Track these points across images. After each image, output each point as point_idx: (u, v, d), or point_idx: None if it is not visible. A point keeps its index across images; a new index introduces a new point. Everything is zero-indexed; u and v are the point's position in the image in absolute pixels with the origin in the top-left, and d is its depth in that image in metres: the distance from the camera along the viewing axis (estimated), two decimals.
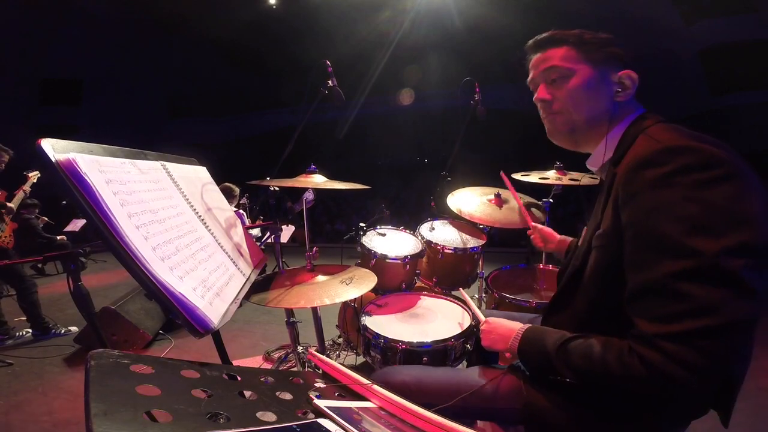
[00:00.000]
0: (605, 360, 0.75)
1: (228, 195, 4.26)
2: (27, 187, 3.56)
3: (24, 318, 3.67)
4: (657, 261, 0.69)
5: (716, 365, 0.65)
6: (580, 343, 0.81)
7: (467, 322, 1.58)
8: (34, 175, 3.56)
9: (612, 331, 0.79)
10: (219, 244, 1.30)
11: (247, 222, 4.34)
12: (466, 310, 1.69)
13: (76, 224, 7.33)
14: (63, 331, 3.60)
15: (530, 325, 0.97)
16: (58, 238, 6.33)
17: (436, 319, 1.67)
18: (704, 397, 0.82)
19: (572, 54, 0.93)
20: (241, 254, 1.45)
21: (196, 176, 1.52)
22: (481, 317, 1.14)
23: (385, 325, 1.60)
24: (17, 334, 3.52)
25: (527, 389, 0.97)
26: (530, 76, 1.01)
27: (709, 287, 0.64)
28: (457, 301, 1.82)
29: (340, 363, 0.99)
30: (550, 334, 0.88)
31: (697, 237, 0.66)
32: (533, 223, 1.69)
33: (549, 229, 1.62)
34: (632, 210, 0.74)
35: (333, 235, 11.23)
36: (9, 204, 3.41)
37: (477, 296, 2.33)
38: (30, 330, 3.58)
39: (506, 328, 1.00)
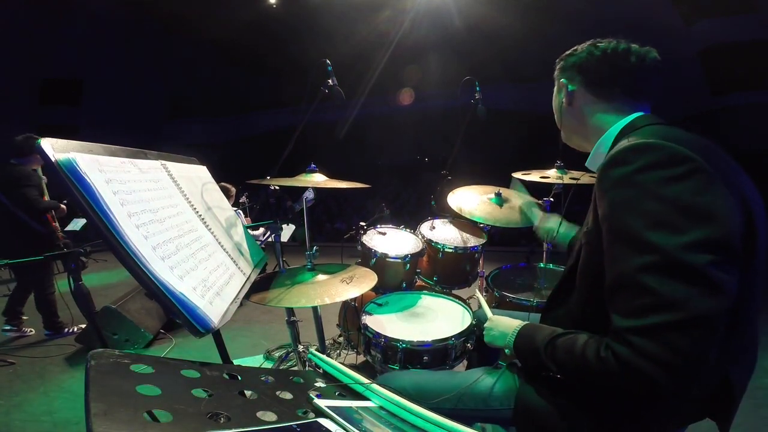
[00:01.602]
0: (585, 355, 0.76)
1: (225, 195, 4.25)
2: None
3: (25, 317, 3.66)
4: (625, 255, 0.71)
5: (684, 360, 0.64)
6: (567, 339, 0.83)
7: (467, 321, 1.58)
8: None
9: (603, 328, 0.79)
10: (219, 243, 1.30)
11: (245, 221, 4.34)
12: (466, 308, 1.69)
13: (77, 224, 7.33)
14: (75, 330, 3.58)
15: (527, 322, 0.99)
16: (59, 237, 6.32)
17: (436, 319, 1.67)
18: (695, 399, 0.81)
19: (555, 73, 1.07)
20: (242, 253, 1.45)
21: (196, 175, 1.52)
22: (490, 315, 1.16)
23: (385, 324, 1.60)
24: (24, 329, 3.53)
25: (520, 391, 0.97)
26: None
27: (672, 282, 0.65)
28: (457, 301, 1.82)
29: (340, 362, 1.00)
30: (542, 330, 0.90)
31: (658, 232, 0.67)
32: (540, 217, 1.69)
33: (554, 220, 1.60)
34: (604, 207, 0.76)
35: (333, 234, 11.23)
36: (62, 205, 3.44)
37: (477, 295, 2.32)
38: (32, 329, 3.58)
39: (506, 325, 1.03)
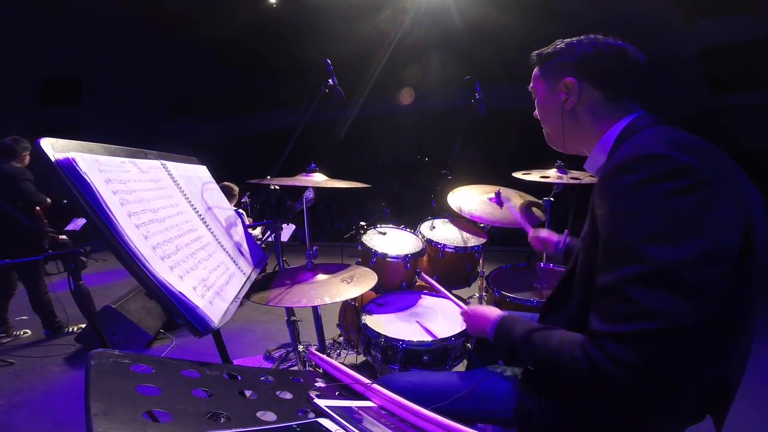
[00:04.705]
0: (560, 352, 0.78)
1: (228, 194, 4.25)
2: None
3: (24, 317, 3.66)
4: (617, 263, 0.71)
5: (653, 368, 0.66)
6: (544, 334, 0.84)
7: None
8: None
9: None
10: (219, 243, 1.30)
11: (247, 221, 4.34)
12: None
13: (77, 223, 7.32)
14: (75, 329, 3.58)
15: (506, 313, 1.00)
16: (60, 237, 6.33)
17: (436, 318, 1.67)
18: (698, 400, 0.81)
19: (537, 74, 1.01)
20: (242, 253, 1.45)
21: (196, 175, 1.52)
22: (462, 305, 1.19)
23: (385, 324, 1.60)
24: (15, 333, 3.50)
25: (519, 393, 0.97)
26: None
27: (658, 293, 0.66)
28: (457, 300, 1.82)
29: (340, 362, 1.00)
30: (521, 324, 0.92)
31: (654, 244, 0.67)
32: (532, 231, 1.69)
33: (546, 233, 1.61)
34: (603, 214, 0.76)
35: (333, 233, 11.23)
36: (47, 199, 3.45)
37: (478, 295, 2.32)
38: (28, 330, 3.58)
39: (484, 316, 1.04)
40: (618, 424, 0.84)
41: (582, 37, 0.95)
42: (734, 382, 0.82)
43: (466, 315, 1.13)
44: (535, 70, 1.03)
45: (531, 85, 1.04)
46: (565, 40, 0.97)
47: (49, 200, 3.48)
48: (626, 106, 0.91)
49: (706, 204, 0.67)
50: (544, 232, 1.62)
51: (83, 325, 3.59)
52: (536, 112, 1.05)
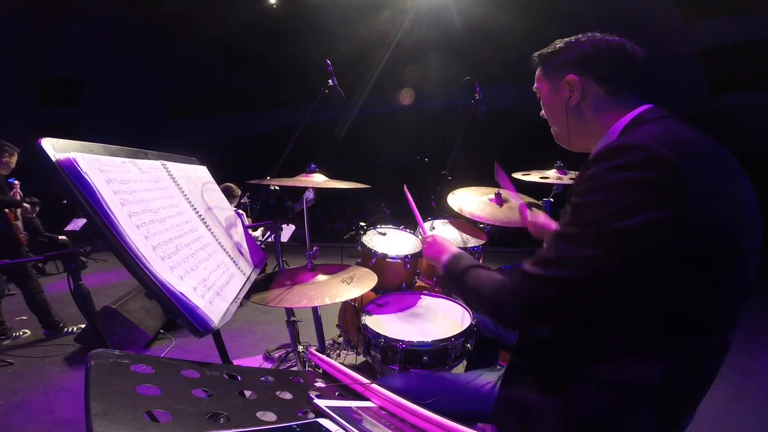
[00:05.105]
0: (487, 279, 0.90)
1: (229, 195, 4.25)
2: (19, 191, 3.62)
3: (24, 318, 3.66)
4: (563, 222, 0.81)
5: (535, 303, 0.79)
6: (486, 271, 0.95)
7: (467, 321, 1.58)
8: (17, 185, 3.61)
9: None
10: (219, 243, 1.30)
11: (247, 222, 4.34)
12: (466, 308, 1.69)
13: (77, 224, 7.33)
14: (75, 329, 3.58)
15: (464, 252, 1.11)
16: (60, 237, 6.34)
17: (436, 319, 1.67)
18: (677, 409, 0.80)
19: (539, 74, 1.03)
20: (242, 253, 1.45)
21: (197, 175, 1.52)
22: (427, 231, 1.29)
23: (385, 324, 1.60)
24: (14, 334, 3.50)
25: (500, 391, 0.99)
26: None
27: (576, 248, 0.75)
28: (457, 300, 1.82)
29: (340, 362, 1.00)
30: (470, 259, 1.05)
31: (599, 216, 0.73)
32: (529, 214, 1.66)
33: (543, 218, 1.58)
34: (579, 190, 0.80)
35: (333, 234, 11.23)
36: (35, 199, 3.45)
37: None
38: (27, 330, 3.58)
39: (445, 247, 1.17)
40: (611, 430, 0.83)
41: (580, 35, 0.97)
42: (689, 388, 0.79)
43: (428, 240, 1.25)
44: (538, 70, 1.03)
45: (535, 85, 1.05)
46: (564, 39, 0.99)
47: (27, 205, 3.48)
48: (631, 101, 0.91)
49: (664, 199, 0.69)
50: (541, 217, 1.59)
51: (82, 325, 3.59)
52: (542, 111, 1.06)
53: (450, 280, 1.06)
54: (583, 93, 0.94)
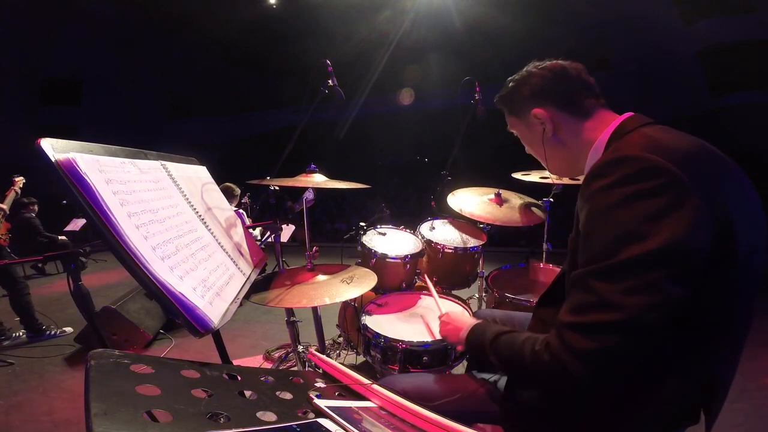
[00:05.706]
0: (522, 348, 0.80)
1: (229, 195, 4.25)
2: (17, 188, 3.57)
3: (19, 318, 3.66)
4: (585, 258, 0.75)
5: (611, 359, 0.68)
6: (510, 335, 0.87)
7: None
8: (20, 180, 3.56)
9: None
10: (219, 243, 1.30)
11: (248, 222, 4.34)
12: (465, 308, 1.69)
13: (77, 224, 7.33)
14: (57, 332, 3.58)
15: (481, 321, 1.02)
16: (59, 238, 6.33)
17: (436, 319, 1.67)
18: (683, 399, 0.80)
19: (507, 117, 1.04)
20: (241, 254, 1.45)
21: (196, 176, 1.52)
22: (442, 309, 1.22)
23: (385, 324, 1.60)
24: (13, 335, 3.50)
25: (503, 393, 0.98)
26: None
27: (618, 286, 0.68)
28: (457, 300, 1.82)
29: (340, 362, 1.00)
30: (490, 327, 0.94)
31: (619, 241, 0.69)
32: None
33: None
34: (584, 216, 0.78)
35: (333, 234, 11.23)
36: (2, 205, 3.42)
37: (477, 296, 2.32)
38: (25, 331, 3.58)
39: (460, 322, 1.06)
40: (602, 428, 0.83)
41: (523, 70, 0.99)
42: (725, 380, 0.82)
43: (443, 318, 1.16)
44: (505, 114, 1.05)
45: (508, 128, 1.07)
46: (512, 77, 1.01)
47: (3, 206, 3.45)
48: (603, 114, 0.91)
49: (672, 206, 0.68)
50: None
51: (66, 329, 3.60)
52: (527, 149, 1.07)
53: (478, 355, 1.00)
54: (553, 122, 0.94)
